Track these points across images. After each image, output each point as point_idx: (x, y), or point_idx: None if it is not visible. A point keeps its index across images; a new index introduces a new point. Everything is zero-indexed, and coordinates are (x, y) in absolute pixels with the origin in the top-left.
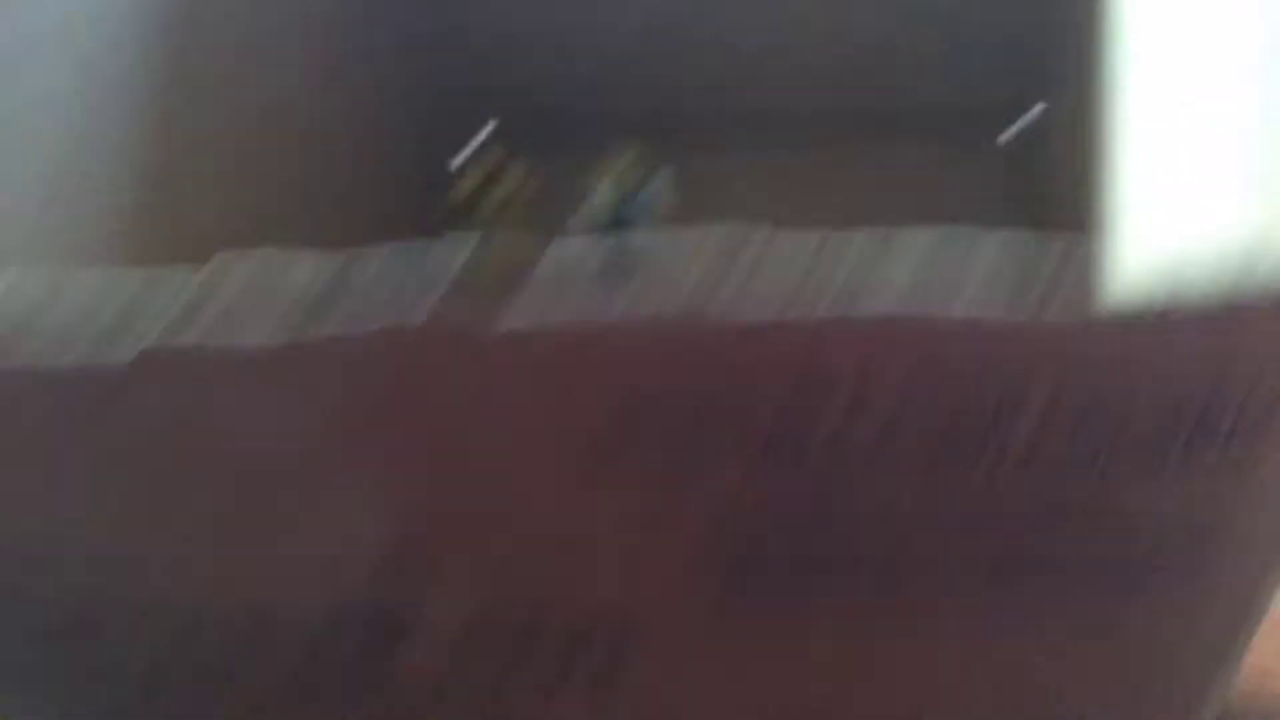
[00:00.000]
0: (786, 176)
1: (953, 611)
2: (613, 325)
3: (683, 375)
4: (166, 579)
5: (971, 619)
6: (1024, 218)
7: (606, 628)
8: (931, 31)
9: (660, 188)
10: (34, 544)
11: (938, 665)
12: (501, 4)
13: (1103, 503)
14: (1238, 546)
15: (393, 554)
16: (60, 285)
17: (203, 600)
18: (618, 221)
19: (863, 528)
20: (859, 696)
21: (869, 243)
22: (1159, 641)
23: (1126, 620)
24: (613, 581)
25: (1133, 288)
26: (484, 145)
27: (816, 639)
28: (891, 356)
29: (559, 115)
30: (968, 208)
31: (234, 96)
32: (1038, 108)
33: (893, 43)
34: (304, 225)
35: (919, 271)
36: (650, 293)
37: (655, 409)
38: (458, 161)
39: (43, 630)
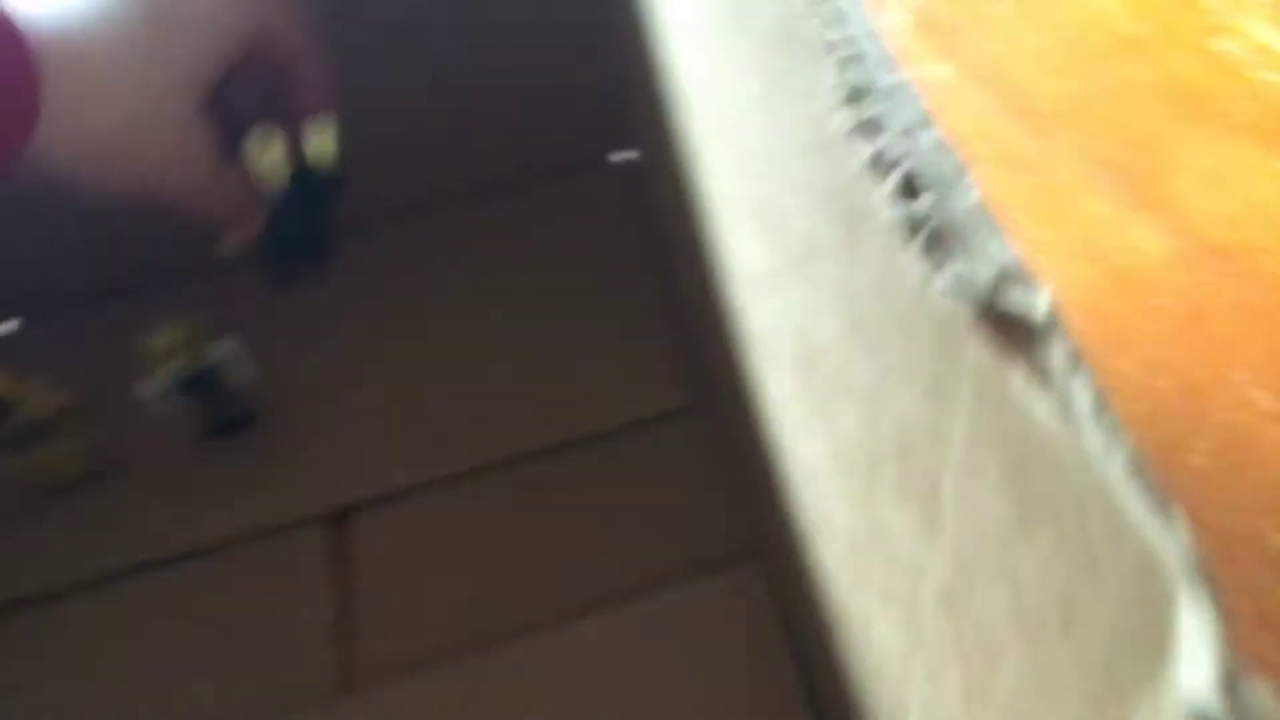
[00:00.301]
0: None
1: None
2: None
3: None
4: None
5: None
6: (641, 240)
7: None
8: (516, 99)
9: (229, 354)
10: None
11: None
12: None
13: None
14: None
15: None
16: None
17: None
18: (191, 392)
19: None
20: None
21: None
22: None
23: None
24: None
25: None
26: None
27: None
28: None
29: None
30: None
31: None
32: (631, 154)
33: (483, 115)
34: None
35: None
36: None
37: None
38: None
39: None
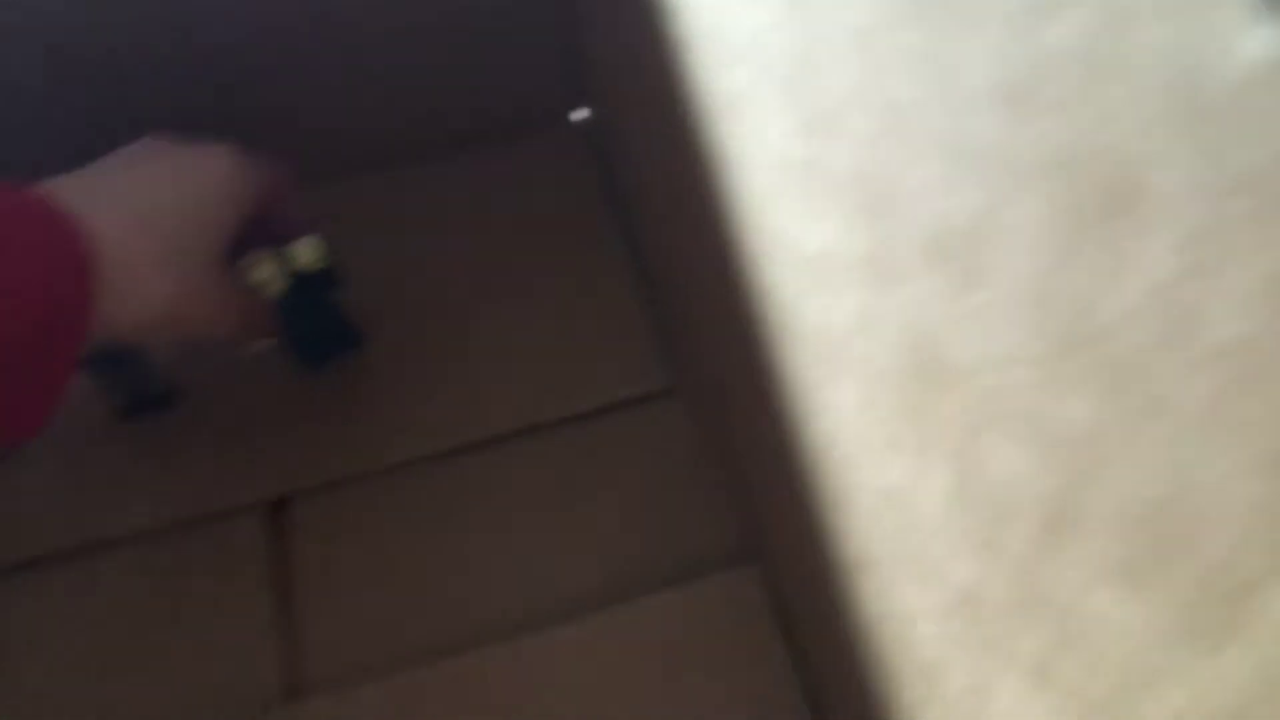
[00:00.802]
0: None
1: None
2: None
3: None
4: None
5: None
6: (606, 205)
7: None
8: (474, 55)
9: None
10: None
11: None
12: None
13: None
14: None
15: None
16: None
17: None
18: (108, 366)
19: None
20: None
21: None
22: None
23: None
24: None
25: None
26: None
27: None
28: None
29: None
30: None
31: None
32: (583, 112)
33: (441, 71)
34: None
35: None
36: None
37: None
38: None
39: None
